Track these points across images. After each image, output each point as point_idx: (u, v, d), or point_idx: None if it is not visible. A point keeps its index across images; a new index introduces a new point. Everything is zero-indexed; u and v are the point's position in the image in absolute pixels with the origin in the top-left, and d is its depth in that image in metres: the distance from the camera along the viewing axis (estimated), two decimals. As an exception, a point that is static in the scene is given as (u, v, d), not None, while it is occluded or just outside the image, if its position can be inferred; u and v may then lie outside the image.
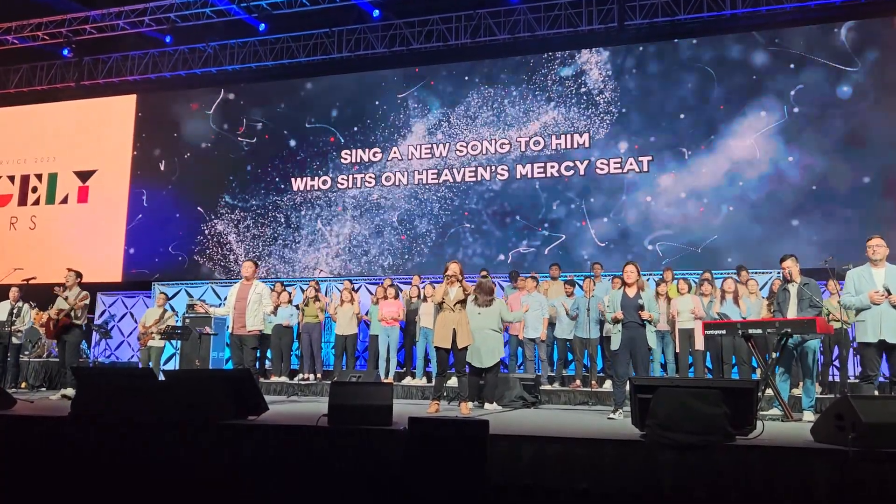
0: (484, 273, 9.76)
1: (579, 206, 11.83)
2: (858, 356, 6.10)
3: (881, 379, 6.25)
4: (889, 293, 5.73)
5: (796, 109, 11.03)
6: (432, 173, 12.68)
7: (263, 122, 13.80)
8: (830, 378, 8.64)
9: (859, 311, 5.98)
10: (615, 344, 6.67)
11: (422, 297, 10.08)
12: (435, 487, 4.34)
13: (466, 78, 12.77)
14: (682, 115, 11.56)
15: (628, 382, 5.73)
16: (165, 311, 10.09)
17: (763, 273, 9.96)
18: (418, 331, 9.84)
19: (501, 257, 12.08)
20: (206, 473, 5.04)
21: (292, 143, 13.56)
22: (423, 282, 10.71)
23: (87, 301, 8.69)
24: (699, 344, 8.63)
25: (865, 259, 6.09)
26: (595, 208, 11.75)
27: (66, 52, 14.65)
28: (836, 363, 8.68)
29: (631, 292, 6.69)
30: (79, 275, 8.78)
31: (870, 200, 10.44)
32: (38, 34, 14.60)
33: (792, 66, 11.13)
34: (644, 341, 6.57)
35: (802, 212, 10.76)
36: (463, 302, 7.02)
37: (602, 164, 11.80)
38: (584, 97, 12.07)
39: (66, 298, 8.53)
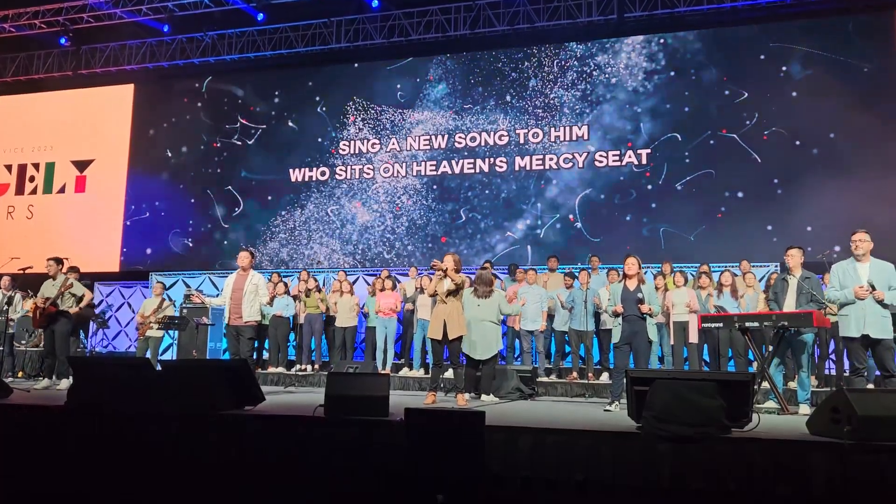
0: (486, 264, 9.75)
1: (577, 197, 11.81)
2: (846, 350, 6.07)
3: (876, 373, 6.25)
4: (873, 288, 5.73)
5: (795, 94, 11.02)
6: (430, 164, 12.66)
7: (261, 113, 13.75)
8: (827, 371, 8.67)
9: (843, 306, 5.94)
10: (616, 337, 6.65)
11: (419, 288, 10.08)
12: (432, 478, 4.35)
13: (465, 69, 12.73)
14: (682, 108, 11.54)
15: (624, 374, 5.73)
16: (164, 300, 10.03)
17: (760, 266, 9.95)
18: (415, 322, 9.84)
19: (500, 249, 12.08)
20: (203, 464, 5.05)
21: (290, 133, 13.52)
22: (420, 273, 10.70)
23: (72, 288, 8.22)
24: (693, 337, 8.65)
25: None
26: (593, 200, 11.74)
27: (63, 40, 14.59)
28: (833, 356, 8.69)
29: (631, 285, 6.63)
30: (59, 261, 8.41)
31: (873, 196, 10.37)
32: (36, 22, 14.52)
33: (792, 59, 11.09)
34: (645, 334, 6.54)
35: (805, 205, 10.71)
36: (454, 293, 6.96)
37: (601, 156, 11.79)
38: (584, 88, 12.03)
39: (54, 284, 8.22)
